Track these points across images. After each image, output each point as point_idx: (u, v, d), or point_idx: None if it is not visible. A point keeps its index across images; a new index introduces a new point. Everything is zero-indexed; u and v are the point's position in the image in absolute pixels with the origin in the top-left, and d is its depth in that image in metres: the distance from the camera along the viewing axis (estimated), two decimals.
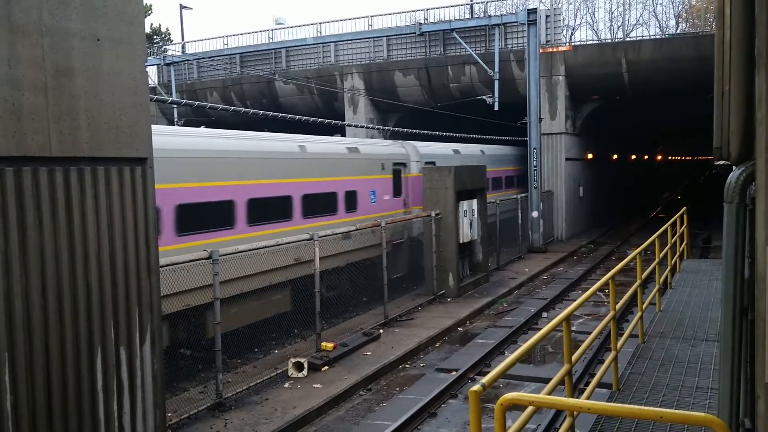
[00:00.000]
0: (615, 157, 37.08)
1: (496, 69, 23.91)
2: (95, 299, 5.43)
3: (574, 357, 5.47)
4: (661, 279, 10.35)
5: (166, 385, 6.80)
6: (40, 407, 5.05)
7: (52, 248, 5.10)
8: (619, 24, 26.76)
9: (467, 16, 30.13)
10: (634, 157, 44.70)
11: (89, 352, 5.39)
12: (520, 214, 21.55)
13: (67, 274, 5.21)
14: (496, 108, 23.95)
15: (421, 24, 25.36)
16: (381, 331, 12.35)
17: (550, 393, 4.94)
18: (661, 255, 10.39)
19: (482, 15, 27.24)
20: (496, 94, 23.89)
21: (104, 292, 5.50)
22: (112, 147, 5.55)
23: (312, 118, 14.54)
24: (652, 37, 25.55)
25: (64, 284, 5.19)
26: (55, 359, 5.14)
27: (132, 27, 5.74)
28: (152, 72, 30.42)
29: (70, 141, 5.23)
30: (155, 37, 39.49)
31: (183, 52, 32.26)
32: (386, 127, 26.75)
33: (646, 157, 50.06)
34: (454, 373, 10.15)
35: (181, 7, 36.40)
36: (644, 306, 8.55)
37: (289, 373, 9.95)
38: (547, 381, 9.36)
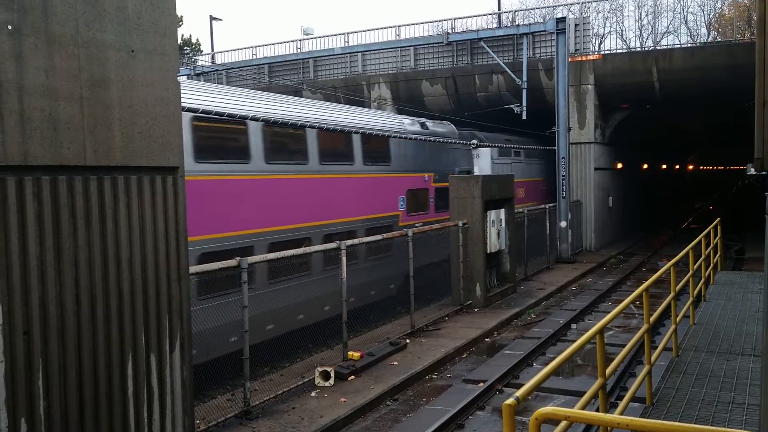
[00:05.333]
0: (645, 166, 36.53)
1: (524, 78, 23.74)
2: (127, 306, 5.48)
3: (608, 370, 5.35)
4: (695, 291, 10.14)
5: (194, 392, 6.83)
6: (72, 412, 5.10)
7: (86, 255, 5.16)
8: (649, 32, 26.50)
9: (494, 25, 30.07)
10: (664, 166, 43.99)
11: (120, 359, 5.43)
12: (548, 224, 21.35)
13: (100, 281, 5.27)
14: (524, 117, 23.80)
15: (448, 33, 25.36)
16: (408, 340, 12.28)
17: (584, 407, 4.84)
18: (695, 267, 10.18)
19: (509, 24, 27.15)
20: (524, 104, 23.71)
21: (135, 298, 5.55)
22: (145, 156, 5.61)
23: (339, 127, 14.60)
24: (684, 45, 25.21)
25: (97, 290, 5.25)
26: (88, 365, 5.19)
27: (165, 38, 5.80)
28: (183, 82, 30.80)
29: (104, 150, 5.30)
30: (186, 47, 40.12)
31: (213, 62, 32.71)
32: (412, 137, 26.67)
33: (677, 166, 49.24)
34: (482, 384, 10.04)
35: (212, 18, 36.96)
36: (678, 319, 8.37)
37: (316, 382, 9.93)
38: (576, 393, 9.26)
